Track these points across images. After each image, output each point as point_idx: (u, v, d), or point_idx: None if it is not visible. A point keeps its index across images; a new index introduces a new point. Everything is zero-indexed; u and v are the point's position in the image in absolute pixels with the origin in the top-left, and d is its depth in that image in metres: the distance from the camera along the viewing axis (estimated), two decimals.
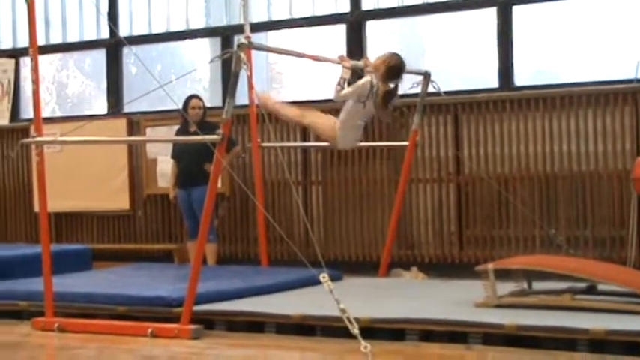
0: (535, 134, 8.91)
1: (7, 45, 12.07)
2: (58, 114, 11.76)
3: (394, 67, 6.51)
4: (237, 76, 6.21)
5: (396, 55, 6.59)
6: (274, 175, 9.97)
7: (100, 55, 11.46)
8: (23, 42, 11.35)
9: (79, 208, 10.95)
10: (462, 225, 9.25)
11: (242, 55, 6.14)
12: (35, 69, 6.79)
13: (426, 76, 8.34)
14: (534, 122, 8.91)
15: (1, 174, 11.81)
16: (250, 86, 8.06)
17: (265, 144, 9.17)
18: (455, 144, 9.24)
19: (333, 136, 6.66)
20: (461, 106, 9.21)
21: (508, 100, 9.03)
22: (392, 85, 6.53)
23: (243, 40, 6.48)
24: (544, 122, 8.86)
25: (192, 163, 9.10)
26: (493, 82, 9.24)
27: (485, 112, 9.11)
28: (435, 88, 8.42)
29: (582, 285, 6.49)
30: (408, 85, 7.86)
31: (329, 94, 6.67)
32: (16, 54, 11.89)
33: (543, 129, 8.87)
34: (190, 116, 9.13)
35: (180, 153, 9.35)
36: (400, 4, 9.71)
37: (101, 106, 11.48)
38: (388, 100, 6.53)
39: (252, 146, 8.91)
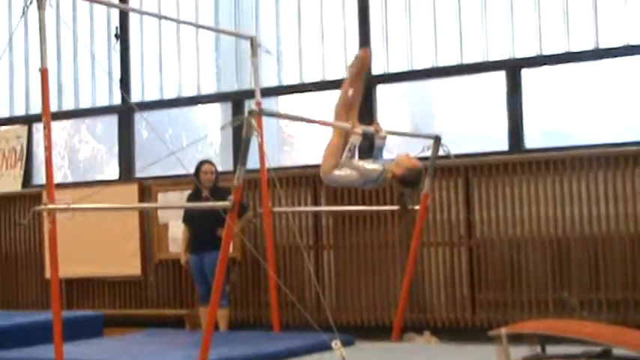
0: (546, 197, 8.89)
1: (21, 111, 12.17)
2: (70, 179, 11.80)
3: (410, 182, 6.52)
4: (248, 142, 6.21)
5: (419, 171, 6.59)
6: (286, 240, 9.94)
7: (111, 120, 11.55)
8: (36, 108, 11.46)
9: (90, 274, 10.93)
10: (474, 288, 9.19)
11: (253, 121, 6.16)
12: (48, 137, 6.80)
13: (437, 140, 8.36)
14: (545, 185, 8.90)
15: (12, 240, 11.83)
16: (261, 152, 8.10)
17: (277, 209, 9.15)
18: (466, 207, 9.22)
19: (326, 171, 6.59)
20: (472, 169, 9.22)
21: (519, 162, 9.03)
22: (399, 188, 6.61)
23: (254, 107, 6.50)
24: (555, 185, 8.85)
25: (204, 228, 9.11)
26: (503, 144, 9.26)
27: (496, 174, 9.11)
28: (445, 151, 8.42)
29: (597, 349, 6.41)
30: (418, 149, 7.89)
31: None
32: (29, 120, 11.98)
33: (554, 191, 8.85)
34: (203, 181, 9.15)
35: (192, 218, 9.37)
36: (410, 68, 9.77)
37: (113, 171, 11.53)
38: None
39: (263, 211, 8.92)
